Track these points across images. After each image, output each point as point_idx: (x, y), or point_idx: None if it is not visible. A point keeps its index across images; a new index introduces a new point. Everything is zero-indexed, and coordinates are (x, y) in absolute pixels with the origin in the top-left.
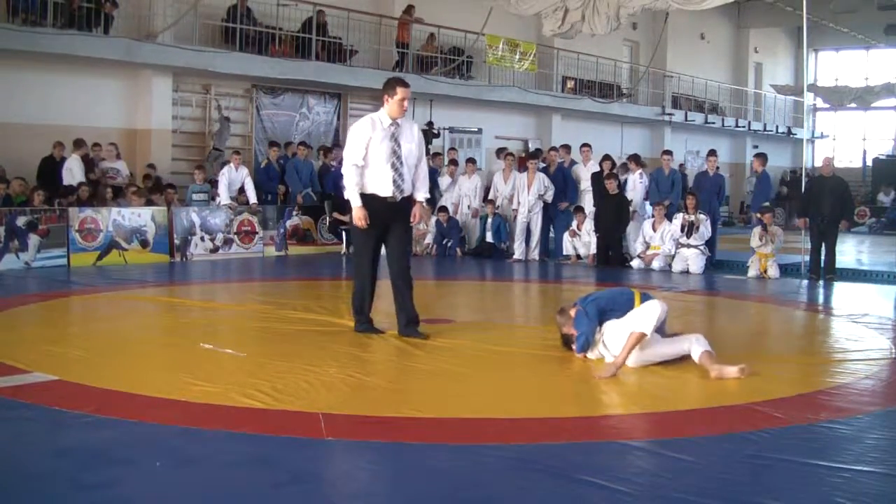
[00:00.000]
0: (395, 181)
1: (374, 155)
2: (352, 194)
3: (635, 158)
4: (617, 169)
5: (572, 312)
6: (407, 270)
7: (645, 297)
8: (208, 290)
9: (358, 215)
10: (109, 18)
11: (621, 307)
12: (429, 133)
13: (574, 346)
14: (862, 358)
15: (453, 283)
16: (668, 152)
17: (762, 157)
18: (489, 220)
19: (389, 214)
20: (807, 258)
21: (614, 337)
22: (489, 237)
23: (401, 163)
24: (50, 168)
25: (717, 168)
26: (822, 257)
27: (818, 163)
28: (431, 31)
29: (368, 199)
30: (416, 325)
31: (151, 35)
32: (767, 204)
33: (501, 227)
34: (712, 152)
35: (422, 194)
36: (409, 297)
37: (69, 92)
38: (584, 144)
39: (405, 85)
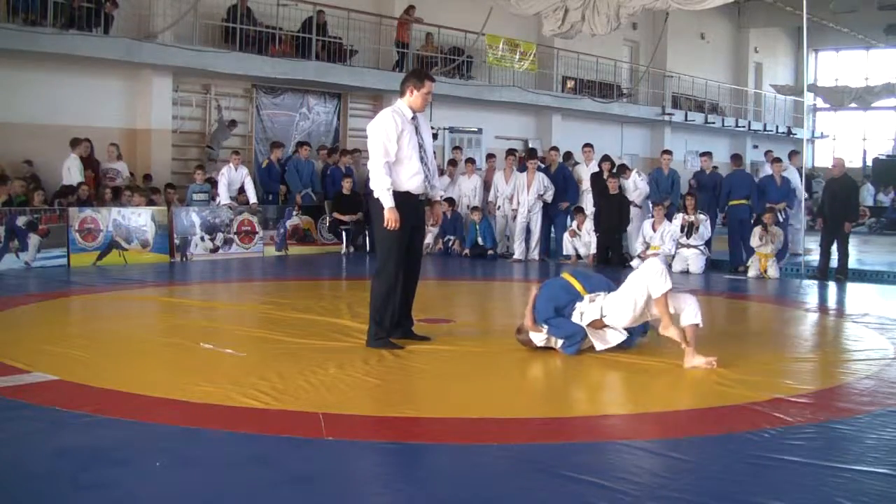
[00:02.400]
0: (426, 177)
1: (405, 150)
2: (385, 195)
3: (623, 168)
4: (615, 170)
5: (532, 328)
6: (419, 273)
7: (580, 277)
8: (208, 290)
9: (391, 217)
10: (109, 18)
11: (567, 300)
12: None
13: (558, 346)
14: (862, 358)
15: (453, 282)
16: (668, 152)
17: (737, 158)
18: (478, 225)
19: (418, 213)
20: (807, 258)
21: (616, 310)
22: (479, 241)
23: (427, 157)
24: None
25: (716, 167)
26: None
27: (818, 163)
28: (430, 30)
29: (402, 198)
30: (412, 326)
31: (151, 35)
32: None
33: (487, 232)
34: (706, 153)
35: (439, 191)
36: (412, 300)
37: (69, 92)
38: (587, 144)
39: (433, 79)
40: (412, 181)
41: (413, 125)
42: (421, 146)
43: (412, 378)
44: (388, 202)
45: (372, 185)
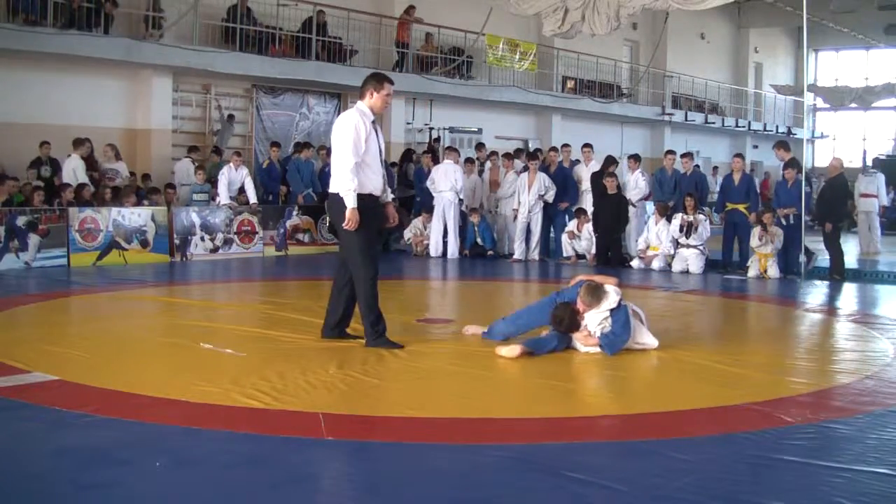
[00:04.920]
0: (384, 179)
1: (370, 152)
2: (350, 195)
3: (635, 157)
4: (613, 167)
5: (608, 301)
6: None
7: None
8: (208, 290)
9: (353, 217)
10: (109, 18)
11: None
12: (431, 144)
13: (583, 330)
14: (862, 358)
15: (453, 282)
16: (672, 152)
17: (740, 157)
18: (476, 226)
19: (381, 215)
20: (805, 259)
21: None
22: (478, 241)
23: (383, 159)
24: (36, 168)
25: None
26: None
27: (818, 163)
28: (429, 30)
29: (368, 200)
30: (346, 327)
31: (151, 35)
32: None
33: (486, 233)
34: (687, 154)
35: (390, 194)
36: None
37: (69, 92)
38: (586, 145)
39: (392, 81)
40: (374, 183)
41: (374, 128)
42: (380, 149)
43: (412, 378)
44: (351, 202)
45: (337, 186)
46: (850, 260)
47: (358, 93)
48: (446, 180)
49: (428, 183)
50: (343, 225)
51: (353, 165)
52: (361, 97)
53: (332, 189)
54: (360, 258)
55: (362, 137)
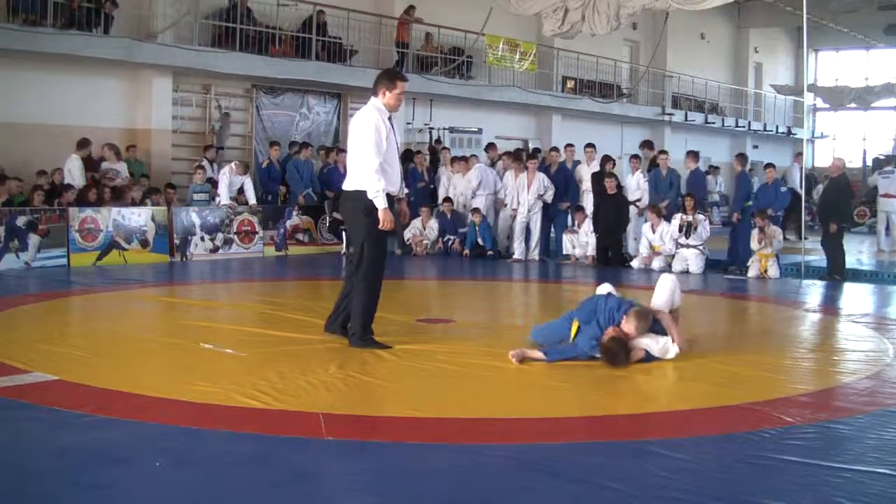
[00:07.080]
0: (401, 177)
1: (390, 151)
2: (380, 196)
3: (637, 158)
4: (610, 165)
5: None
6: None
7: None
8: (208, 290)
9: (387, 218)
10: (109, 18)
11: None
12: (431, 146)
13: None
14: (862, 358)
15: (453, 282)
16: (665, 152)
17: (742, 158)
18: (478, 226)
19: (394, 213)
20: (807, 258)
21: None
22: (479, 241)
23: (399, 158)
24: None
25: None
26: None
27: (818, 163)
28: (429, 30)
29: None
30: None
31: (151, 35)
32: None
33: (486, 232)
34: (663, 152)
35: (404, 189)
36: None
37: (69, 92)
38: (589, 145)
39: (405, 78)
40: (393, 181)
41: (390, 125)
42: (398, 147)
43: (412, 378)
44: (382, 203)
45: (363, 186)
46: (854, 260)
47: (359, 92)
48: (485, 182)
49: (445, 184)
50: (376, 226)
51: (378, 165)
52: (374, 94)
53: (348, 187)
54: (374, 256)
55: (383, 136)
